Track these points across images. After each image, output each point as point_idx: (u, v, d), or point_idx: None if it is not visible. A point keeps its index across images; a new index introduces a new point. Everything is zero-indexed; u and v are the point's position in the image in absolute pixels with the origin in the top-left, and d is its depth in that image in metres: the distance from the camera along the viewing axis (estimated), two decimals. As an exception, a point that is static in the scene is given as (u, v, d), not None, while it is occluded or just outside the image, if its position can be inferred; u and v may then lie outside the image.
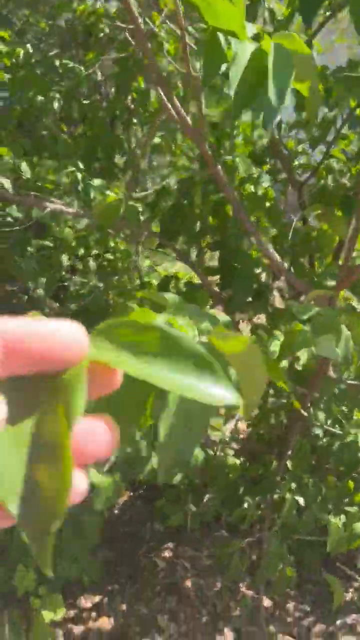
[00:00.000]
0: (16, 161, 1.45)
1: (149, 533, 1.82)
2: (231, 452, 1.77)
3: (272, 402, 1.62)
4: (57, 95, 1.79)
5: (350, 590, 1.71)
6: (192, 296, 1.26)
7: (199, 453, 1.61)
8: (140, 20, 0.80)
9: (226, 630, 1.60)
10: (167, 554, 1.79)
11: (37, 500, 0.25)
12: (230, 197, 0.94)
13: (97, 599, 1.64)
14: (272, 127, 1.43)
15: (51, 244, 1.95)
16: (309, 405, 1.45)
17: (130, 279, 1.92)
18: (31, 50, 1.80)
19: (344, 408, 1.52)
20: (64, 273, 1.99)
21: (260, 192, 1.51)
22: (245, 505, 1.62)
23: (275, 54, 0.48)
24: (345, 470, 1.53)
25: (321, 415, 1.43)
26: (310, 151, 1.59)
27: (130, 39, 1.45)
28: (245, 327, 1.82)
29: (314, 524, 1.51)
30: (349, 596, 1.68)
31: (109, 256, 1.98)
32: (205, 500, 1.70)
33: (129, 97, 1.86)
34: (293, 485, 1.49)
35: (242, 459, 1.72)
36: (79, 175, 1.37)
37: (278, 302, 1.68)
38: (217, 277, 1.49)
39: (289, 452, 1.57)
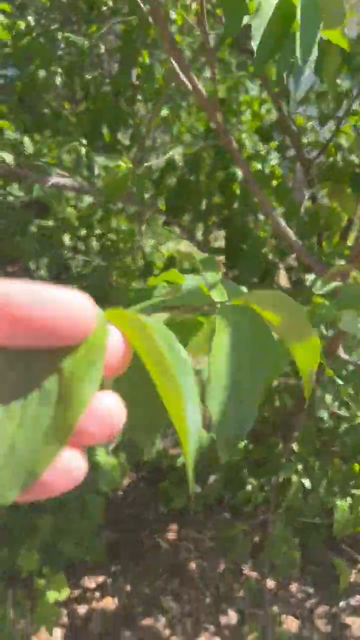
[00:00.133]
0: (18, 137, 1.42)
1: (153, 515, 1.81)
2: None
3: (276, 385, 1.60)
4: (60, 70, 1.75)
5: (354, 572, 1.70)
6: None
7: (203, 435, 1.59)
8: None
9: (229, 611, 1.60)
10: (170, 535, 1.78)
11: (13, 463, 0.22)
12: (242, 168, 0.91)
13: (100, 579, 1.64)
14: (281, 101, 1.40)
15: (53, 224, 1.92)
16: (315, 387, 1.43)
17: (134, 259, 1.89)
18: (33, 23, 1.75)
19: (350, 391, 1.50)
20: (65, 252, 1.96)
21: (267, 170, 1.47)
22: (249, 487, 1.60)
23: (303, 4, 0.45)
24: (352, 453, 1.52)
25: (328, 398, 1.41)
26: (319, 128, 1.55)
27: (135, 7, 1.40)
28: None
29: (320, 506, 1.50)
30: (352, 578, 1.68)
31: (112, 236, 1.95)
32: (208, 483, 1.69)
33: (133, 73, 1.82)
34: (299, 467, 1.48)
35: (245, 441, 1.70)
36: (82, 151, 1.33)
37: (284, 282, 1.66)
38: (223, 257, 1.46)
39: (295, 435, 1.55)
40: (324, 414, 1.52)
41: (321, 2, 0.44)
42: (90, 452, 1.29)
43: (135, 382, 0.29)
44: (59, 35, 1.76)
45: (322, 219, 1.46)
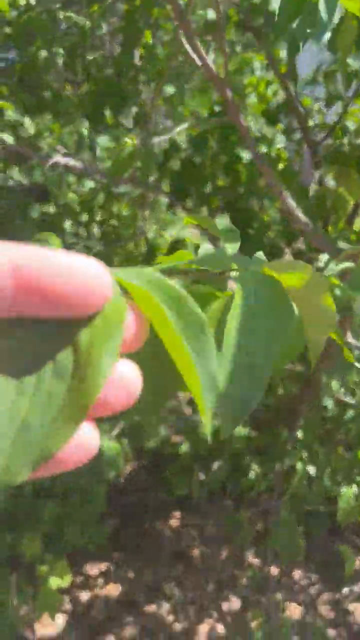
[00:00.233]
0: (19, 118, 1.39)
1: (156, 502, 1.81)
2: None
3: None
4: (61, 51, 1.71)
5: (358, 559, 1.70)
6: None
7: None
8: None
9: (232, 598, 1.60)
10: (173, 523, 1.77)
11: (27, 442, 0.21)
12: (250, 147, 0.89)
13: (103, 566, 1.63)
14: (288, 82, 1.37)
15: (54, 210, 1.89)
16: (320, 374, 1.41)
17: (137, 245, 1.86)
18: (33, 2, 1.71)
19: (356, 378, 1.49)
20: (67, 238, 1.93)
21: (273, 154, 1.45)
22: (252, 474, 1.59)
23: None
24: (357, 441, 1.50)
25: (335, 385, 1.40)
26: (326, 110, 1.53)
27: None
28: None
29: (324, 494, 1.49)
30: (356, 565, 1.68)
31: (114, 222, 1.92)
32: (211, 470, 1.68)
33: (136, 54, 1.79)
34: (304, 454, 1.46)
35: (248, 428, 1.69)
36: (85, 132, 1.30)
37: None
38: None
39: (299, 422, 1.54)
40: (329, 402, 1.51)
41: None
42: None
43: (142, 351, 0.27)
44: (61, 15, 1.72)
45: (329, 203, 1.43)
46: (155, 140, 1.07)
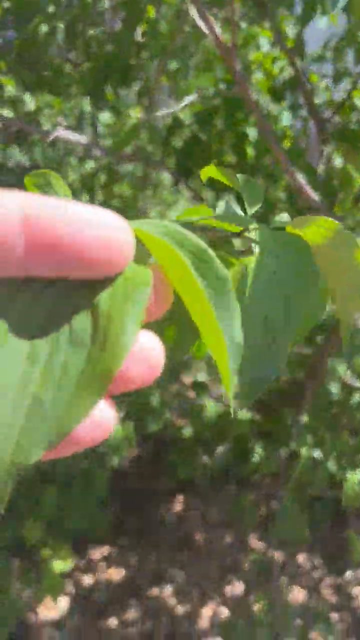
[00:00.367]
0: (19, 93, 1.35)
1: (159, 487, 1.79)
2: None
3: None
4: (62, 25, 1.67)
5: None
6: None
7: (210, 405, 1.56)
8: None
9: (236, 582, 1.59)
10: (177, 507, 1.76)
11: (40, 419, 0.18)
12: (258, 120, 0.85)
13: (106, 551, 1.63)
14: (295, 57, 1.33)
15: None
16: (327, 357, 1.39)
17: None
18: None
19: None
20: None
21: (279, 131, 1.41)
22: (256, 458, 1.58)
23: None
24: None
25: (340, 369, 1.37)
26: (333, 87, 1.49)
27: None
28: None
29: (329, 479, 1.48)
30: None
31: (115, 203, 1.89)
32: (215, 454, 1.66)
33: (138, 31, 1.74)
34: (309, 439, 1.45)
35: (252, 413, 1.67)
36: (86, 108, 1.27)
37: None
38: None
39: (304, 407, 1.52)
40: (335, 388, 1.48)
41: None
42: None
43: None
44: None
45: (336, 182, 1.40)
46: (159, 114, 1.04)
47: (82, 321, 0.19)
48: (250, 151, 1.32)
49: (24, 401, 0.18)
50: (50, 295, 0.19)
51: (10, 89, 1.30)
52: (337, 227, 0.28)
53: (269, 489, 1.73)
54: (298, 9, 1.32)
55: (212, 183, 1.39)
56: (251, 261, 0.30)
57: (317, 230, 0.28)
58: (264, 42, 1.49)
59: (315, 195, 0.90)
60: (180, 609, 1.51)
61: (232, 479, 1.80)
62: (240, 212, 0.37)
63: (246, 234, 0.31)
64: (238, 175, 0.35)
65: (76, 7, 1.67)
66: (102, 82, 1.49)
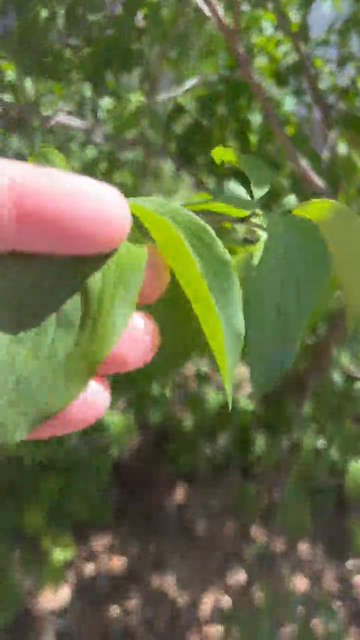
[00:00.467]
0: (19, 79, 1.33)
1: (161, 476, 1.79)
2: (246, 396, 1.71)
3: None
4: (62, 11, 1.65)
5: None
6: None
7: (212, 395, 1.56)
8: None
9: (238, 570, 1.59)
10: (178, 497, 1.76)
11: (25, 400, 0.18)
12: (263, 103, 0.84)
13: (108, 540, 1.63)
14: (299, 42, 1.30)
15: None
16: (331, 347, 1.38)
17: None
18: None
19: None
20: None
21: (282, 118, 1.39)
22: (259, 448, 1.58)
23: None
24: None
25: (344, 358, 1.36)
26: (337, 71, 1.46)
27: None
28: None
29: (331, 468, 1.48)
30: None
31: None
32: (217, 444, 1.66)
33: (139, 15, 1.71)
34: (312, 428, 1.44)
35: (254, 404, 1.66)
36: (87, 93, 1.25)
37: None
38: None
39: (307, 396, 1.51)
40: (338, 377, 1.48)
41: None
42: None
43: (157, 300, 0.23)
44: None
45: (339, 169, 1.38)
46: (160, 98, 1.02)
47: (71, 302, 0.19)
48: (252, 138, 1.30)
49: (9, 381, 0.18)
50: (39, 273, 0.18)
51: (11, 74, 1.28)
52: (340, 207, 0.27)
53: (271, 479, 1.72)
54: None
55: (214, 170, 1.37)
56: (257, 249, 0.29)
57: (321, 211, 0.27)
58: (267, 25, 1.46)
59: (319, 182, 0.89)
60: (181, 598, 1.51)
61: (234, 469, 1.80)
62: (246, 197, 0.36)
63: (252, 219, 0.29)
64: (245, 156, 0.33)
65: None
66: (103, 67, 1.47)
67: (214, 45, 1.59)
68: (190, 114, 1.28)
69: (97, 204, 0.18)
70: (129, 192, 1.89)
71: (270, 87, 1.44)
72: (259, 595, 1.51)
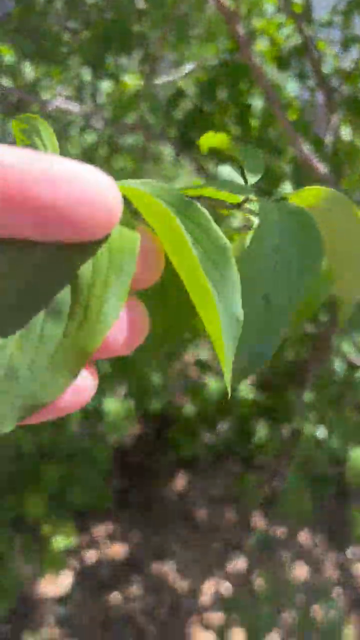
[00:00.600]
0: (18, 63, 1.31)
1: (162, 464, 1.79)
2: (246, 384, 1.71)
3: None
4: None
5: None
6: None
7: (213, 382, 1.55)
8: None
9: (238, 557, 1.60)
10: (179, 484, 1.77)
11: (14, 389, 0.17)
12: (264, 87, 0.82)
13: (109, 527, 1.63)
14: (302, 24, 1.28)
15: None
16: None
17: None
18: None
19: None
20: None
21: (284, 103, 1.37)
22: (259, 436, 1.57)
23: None
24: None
25: (346, 347, 1.35)
26: (341, 53, 1.44)
27: None
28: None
29: (332, 456, 1.47)
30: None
31: (115, 176, 1.85)
32: (218, 431, 1.66)
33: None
34: (312, 416, 1.43)
35: (255, 392, 1.66)
36: (86, 77, 1.23)
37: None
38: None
39: (308, 385, 1.50)
40: (339, 365, 1.46)
41: None
42: (98, 399, 1.25)
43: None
44: None
45: (343, 155, 1.36)
46: (160, 81, 1.00)
47: (62, 292, 0.18)
48: (254, 122, 1.28)
49: None
50: (28, 260, 0.18)
51: (9, 58, 1.26)
52: (336, 194, 0.26)
53: (272, 467, 1.72)
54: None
55: (215, 154, 1.35)
56: (250, 235, 0.28)
57: (316, 198, 0.25)
58: (269, 7, 1.43)
59: (322, 168, 0.87)
60: (182, 585, 1.52)
61: (234, 457, 1.80)
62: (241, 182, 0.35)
63: (246, 204, 0.28)
64: (237, 142, 0.32)
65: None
66: (102, 50, 1.45)
67: (214, 29, 1.56)
68: (190, 99, 1.26)
69: (85, 187, 0.17)
70: (129, 177, 1.87)
71: (273, 72, 1.41)
72: (259, 583, 1.52)
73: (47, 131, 0.22)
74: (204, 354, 1.76)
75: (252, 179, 0.30)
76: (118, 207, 0.18)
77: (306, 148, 0.88)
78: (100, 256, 0.18)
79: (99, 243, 0.18)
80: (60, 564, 1.35)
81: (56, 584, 1.48)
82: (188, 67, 1.14)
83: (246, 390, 1.63)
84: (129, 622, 1.44)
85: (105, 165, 1.80)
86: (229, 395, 0.21)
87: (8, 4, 1.73)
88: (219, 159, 1.29)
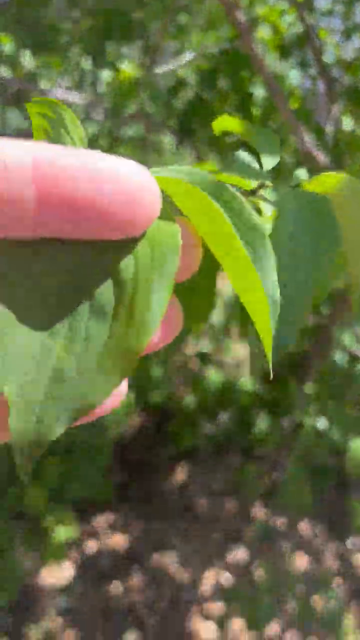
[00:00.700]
0: (17, 52, 1.30)
1: (163, 456, 1.80)
2: (246, 375, 1.71)
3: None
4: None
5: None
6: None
7: (214, 375, 1.55)
8: None
9: (238, 548, 1.60)
10: (179, 476, 1.77)
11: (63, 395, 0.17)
12: (265, 76, 0.81)
13: (110, 519, 1.64)
14: (304, 12, 1.26)
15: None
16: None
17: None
18: None
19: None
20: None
21: (286, 92, 1.36)
22: (261, 427, 1.57)
23: None
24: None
25: (347, 339, 1.35)
26: (342, 41, 1.43)
27: None
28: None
29: (333, 447, 1.48)
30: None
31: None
32: (218, 422, 1.66)
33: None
34: (313, 407, 1.43)
35: (256, 383, 1.66)
36: (86, 67, 1.22)
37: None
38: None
39: (309, 376, 1.50)
40: (340, 357, 1.46)
41: None
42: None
43: None
44: None
45: (344, 145, 1.36)
46: (160, 70, 0.99)
47: (103, 289, 0.17)
48: (255, 112, 1.27)
49: (44, 376, 0.17)
50: (67, 260, 0.17)
51: (9, 47, 1.25)
52: (352, 181, 0.26)
53: (272, 459, 1.73)
54: None
55: (215, 145, 1.34)
56: (264, 223, 0.27)
57: (331, 185, 0.25)
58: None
59: (324, 157, 0.86)
60: (183, 576, 1.52)
61: (235, 449, 1.80)
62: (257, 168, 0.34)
63: (261, 191, 0.28)
64: (252, 125, 0.31)
65: None
66: (103, 40, 1.43)
67: (214, 16, 1.55)
68: (191, 87, 1.25)
69: (125, 184, 0.16)
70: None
71: (274, 61, 1.40)
72: (259, 573, 1.52)
73: (73, 121, 0.21)
74: (204, 346, 1.76)
75: (269, 163, 0.29)
76: (158, 202, 0.17)
77: (307, 137, 0.87)
78: (141, 252, 0.18)
79: (138, 238, 0.18)
80: (61, 556, 1.35)
81: (57, 575, 1.48)
82: (188, 55, 1.13)
83: (246, 382, 1.63)
84: (130, 611, 1.45)
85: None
86: (272, 377, 0.21)
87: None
88: (220, 149, 1.28)
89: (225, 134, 1.34)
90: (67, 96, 1.03)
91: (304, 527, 1.67)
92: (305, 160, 1.07)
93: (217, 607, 1.47)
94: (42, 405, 0.17)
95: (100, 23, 1.56)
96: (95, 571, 1.52)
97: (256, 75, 1.30)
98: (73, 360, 0.17)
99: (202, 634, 1.41)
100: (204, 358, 1.59)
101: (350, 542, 1.65)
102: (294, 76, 1.37)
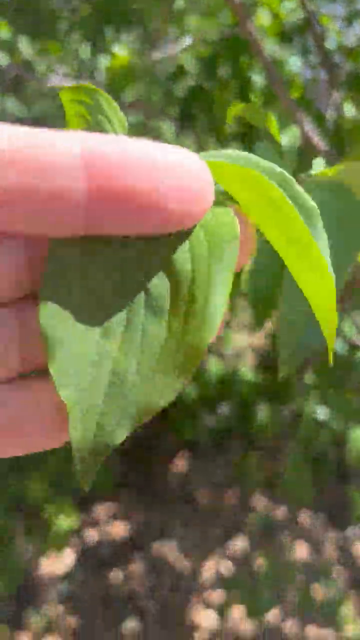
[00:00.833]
0: (16, 38, 1.28)
1: (163, 446, 1.80)
2: (247, 366, 1.70)
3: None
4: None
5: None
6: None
7: (214, 366, 1.55)
8: None
9: (239, 537, 1.60)
10: (180, 466, 1.77)
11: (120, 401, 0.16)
12: (264, 62, 0.80)
13: (110, 508, 1.64)
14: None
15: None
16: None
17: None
18: None
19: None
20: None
21: (286, 79, 1.34)
22: (260, 418, 1.57)
23: None
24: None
25: (347, 328, 1.34)
26: (344, 27, 1.41)
27: None
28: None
29: (333, 438, 1.48)
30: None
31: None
32: (219, 413, 1.66)
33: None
34: (313, 397, 1.43)
35: (256, 374, 1.66)
36: (85, 54, 1.21)
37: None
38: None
39: (309, 366, 1.50)
40: (340, 346, 1.46)
41: None
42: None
43: None
44: None
45: (345, 133, 1.35)
46: (158, 56, 0.98)
47: (158, 284, 0.16)
48: (255, 99, 1.26)
49: (102, 378, 0.16)
50: (117, 255, 0.16)
51: (6, 33, 1.24)
52: (352, 162, 0.25)
53: (273, 448, 1.73)
54: None
55: (216, 133, 1.33)
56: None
57: (353, 173, 0.24)
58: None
59: (325, 146, 0.85)
60: (183, 565, 1.53)
61: (236, 438, 1.80)
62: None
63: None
64: (271, 112, 0.30)
65: None
66: (102, 26, 1.42)
67: (214, 2, 1.53)
68: (191, 75, 1.23)
69: (179, 174, 0.15)
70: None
71: (274, 47, 1.39)
72: (259, 562, 1.53)
73: (112, 107, 0.20)
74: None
75: (291, 153, 0.28)
76: (211, 193, 0.16)
77: (308, 125, 0.86)
78: (196, 243, 0.17)
79: (191, 230, 0.17)
80: (61, 545, 1.36)
81: (58, 563, 1.49)
82: (187, 40, 1.12)
83: (247, 371, 1.63)
84: (130, 599, 1.45)
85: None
86: (331, 360, 0.20)
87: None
88: (220, 139, 1.27)
89: (224, 122, 1.32)
90: (65, 83, 1.02)
91: (304, 517, 1.67)
92: (306, 147, 1.06)
93: (217, 595, 1.47)
94: (102, 411, 0.16)
95: (100, 9, 1.54)
96: (95, 559, 1.52)
97: (256, 61, 1.29)
98: (131, 361, 0.16)
99: (202, 622, 1.42)
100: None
101: (350, 532, 1.65)
102: (294, 62, 1.36)
